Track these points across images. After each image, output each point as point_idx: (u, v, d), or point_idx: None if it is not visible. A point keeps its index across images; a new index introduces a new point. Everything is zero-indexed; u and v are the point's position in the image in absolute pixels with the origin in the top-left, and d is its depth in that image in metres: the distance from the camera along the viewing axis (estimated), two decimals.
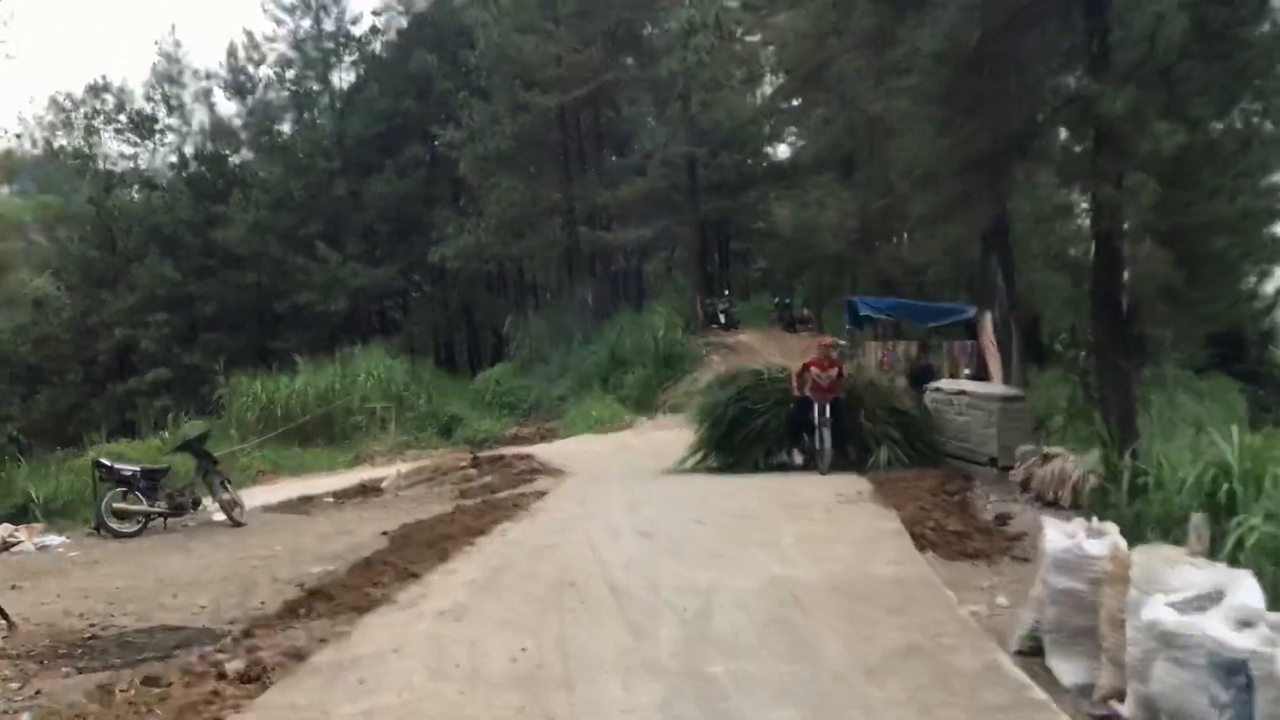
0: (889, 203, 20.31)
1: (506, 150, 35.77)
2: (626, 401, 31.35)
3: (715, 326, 36.37)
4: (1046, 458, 13.28)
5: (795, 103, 50.53)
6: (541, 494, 14.32)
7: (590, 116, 38.59)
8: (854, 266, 32.33)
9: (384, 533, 12.24)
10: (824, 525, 11.26)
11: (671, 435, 21.89)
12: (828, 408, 15.40)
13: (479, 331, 51.13)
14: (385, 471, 23.62)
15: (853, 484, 14.07)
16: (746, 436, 15.80)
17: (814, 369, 15.71)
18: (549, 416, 33.22)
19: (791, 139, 53.53)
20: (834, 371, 15.71)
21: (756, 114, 48.45)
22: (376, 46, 50.26)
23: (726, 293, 40.04)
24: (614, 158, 40.52)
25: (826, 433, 15.12)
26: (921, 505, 12.17)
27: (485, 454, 21.11)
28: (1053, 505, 12.19)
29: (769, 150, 53.72)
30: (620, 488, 14.54)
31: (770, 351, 32.37)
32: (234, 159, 50.68)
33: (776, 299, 39.59)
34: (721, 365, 30.63)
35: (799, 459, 16.21)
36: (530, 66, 33.49)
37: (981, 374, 20.61)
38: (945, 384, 16.50)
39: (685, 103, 35.13)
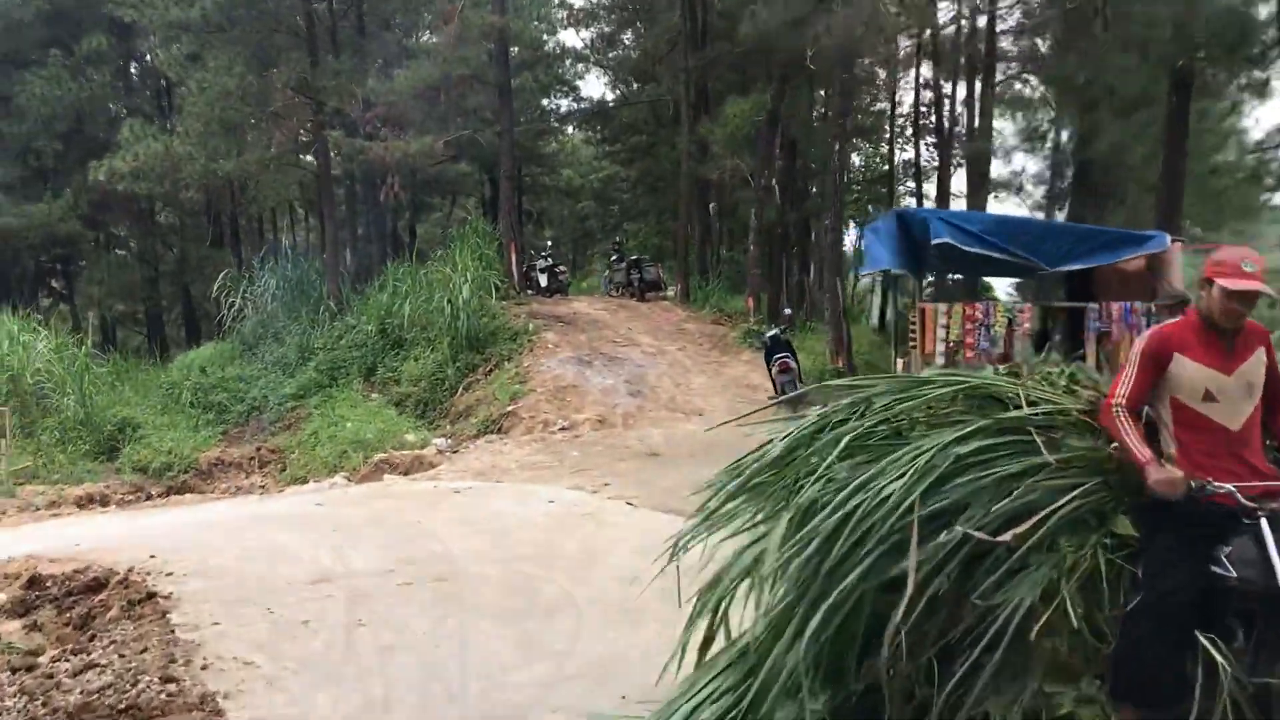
0: None
1: (216, 16, 21.99)
2: (405, 405, 18.72)
3: (532, 293, 23.98)
4: None
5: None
6: None
7: None
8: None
9: None
10: None
11: (544, 506, 9.58)
12: None
13: (199, 304, 36.58)
14: None
15: None
16: (967, 651, 3.69)
17: (1198, 362, 3.80)
18: (278, 427, 20.17)
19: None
20: None
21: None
22: None
23: (550, 243, 27.58)
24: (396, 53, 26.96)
25: None
26: None
27: (65, 570, 8.09)
28: None
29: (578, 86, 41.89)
30: None
31: (629, 327, 20.36)
32: None
33: (614, 255, 27.39)
34: (561, 349, 18.40)
35: None
36: None
37: None
38: None
39: None
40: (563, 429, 14.21)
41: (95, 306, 33.82)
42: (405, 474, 13.44)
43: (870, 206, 38.47)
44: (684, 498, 9.79)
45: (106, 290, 31.78)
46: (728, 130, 18.71)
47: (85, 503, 16.78)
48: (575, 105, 41.93)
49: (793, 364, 14.42)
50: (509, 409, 15.75)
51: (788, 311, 17.57)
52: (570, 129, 44.29)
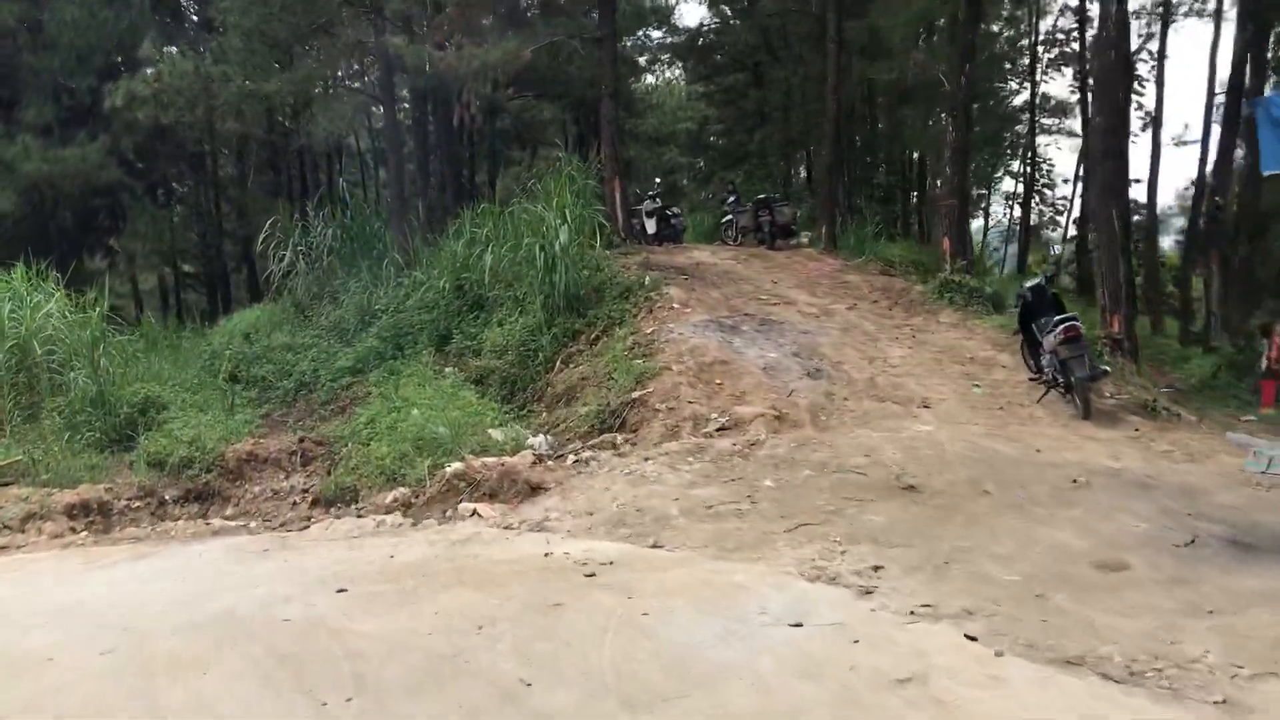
0: None
1: None
2: (487, 383, 13.92)
3: (637, 242, 18.95)
4: None
5: None
6: None
7: None
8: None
9: None
10: None
11: (782, 636, 4.50)
12: None
13: (261, 262, 32.13)
14: None
15: None
16: None
17: None
18: (329, 409, 15.59)
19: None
20: None
21: None
22: None
23: (659, 181, 22.47)
24: None
25: None
26: None
27: None
28: None
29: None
30: None
31: (773, 281, 15.27)
32: None
33: (730, 196, 22.14)
34: (691, 309, 13.40)
35: None
36: None
37: None
38: None
39: None
40: (722, 430, 9.23)
41: (139, 266, 29.62)
42: (490, 498, 8.66)
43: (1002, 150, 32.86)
44: (1078, 621, 4.63)
45: (152, 247, 27.39)
46: (913, 12, 13.46)
47: (77, 513, 12.36)
48: (668, 39, 36.56)
49: (1082, 330, 9.36)
50: (634, 394, 10.83)
51: (1056, 251, 12.40)
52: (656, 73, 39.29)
